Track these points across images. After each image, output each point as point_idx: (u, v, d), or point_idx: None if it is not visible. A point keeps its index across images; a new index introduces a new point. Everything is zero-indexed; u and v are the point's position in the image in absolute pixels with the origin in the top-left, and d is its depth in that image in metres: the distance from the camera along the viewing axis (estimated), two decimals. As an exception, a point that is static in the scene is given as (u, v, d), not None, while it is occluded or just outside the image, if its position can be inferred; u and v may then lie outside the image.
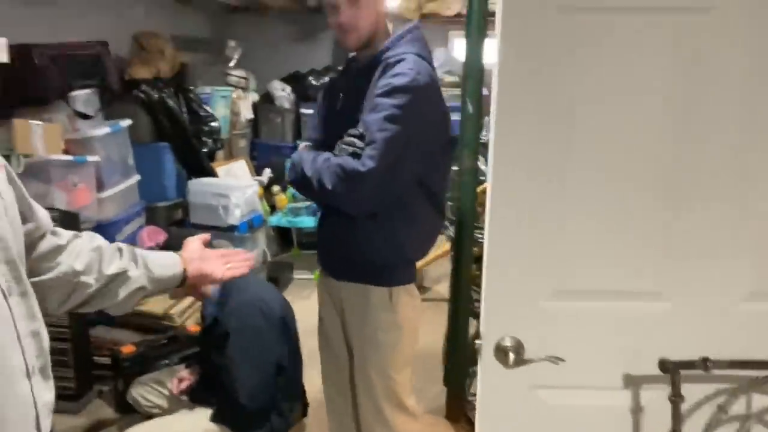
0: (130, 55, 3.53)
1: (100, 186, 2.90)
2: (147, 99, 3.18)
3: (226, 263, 1.19)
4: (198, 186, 3.38)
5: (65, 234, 1.02)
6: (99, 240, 1.06)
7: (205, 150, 3.46)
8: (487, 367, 1.11)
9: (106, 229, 2.90)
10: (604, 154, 1.07)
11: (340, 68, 1.79)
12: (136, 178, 3.17)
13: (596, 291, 1.12)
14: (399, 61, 1.49)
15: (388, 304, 1.61)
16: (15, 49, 2.60)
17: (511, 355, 1.08)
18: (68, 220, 2.38)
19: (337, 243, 1.63)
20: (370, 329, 1.62)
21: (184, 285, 1.14)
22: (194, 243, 1.19)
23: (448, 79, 4.82)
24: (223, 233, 3.24)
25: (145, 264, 1.08)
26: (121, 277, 1.04)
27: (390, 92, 1.45)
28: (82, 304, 1.02)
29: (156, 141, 3.31)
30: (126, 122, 3.05)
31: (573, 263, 1.10)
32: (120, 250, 1.06)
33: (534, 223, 1.08)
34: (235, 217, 3.27)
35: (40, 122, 2.53)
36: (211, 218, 3.27)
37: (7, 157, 2.05)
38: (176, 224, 3.41)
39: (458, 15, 4.56)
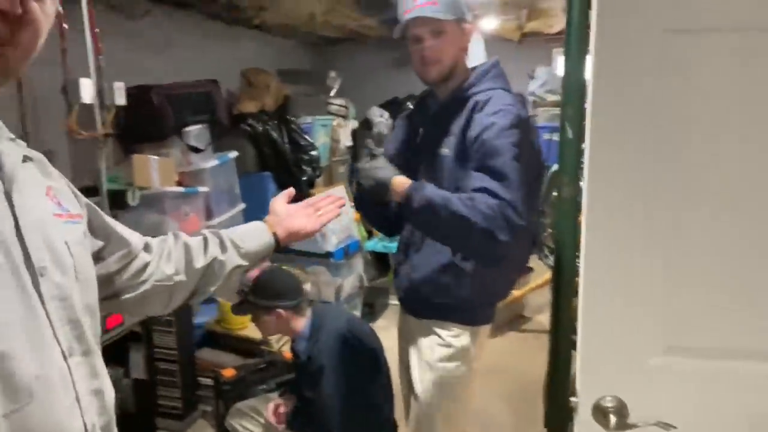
0: (238, 91, 3.76)
1: (209, 214, 3.09)
2: (253, 131, 3.35)
3: (316, 211, 1.19)
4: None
5: (154, 244, 1.05)
6: (184, 237, 1.08)
7: (304, 178, 3.57)
8: (583, 429, 1.00)
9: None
10: (722, 188, 0.94)
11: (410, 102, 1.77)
12: (241, 206, 3.34)
13: (714, 348, 0.98)
14: (489, 99, 1.44)
15: (463, 342, 1.56)
16: (135, 91, 2.85)
17: (613, 418, 0.97)
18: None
19: (422, 280, 1.58)
20: (436, 364, 1.58)
21: (279, 247, 1.15)
22: (278, 203, 1.21)
23: (551, 98, 4.65)
24: (320, 259, 3.31)
25: (233, 243, 1.09)
26: (213, 264, 1.06)
27: (501, 132, 1.40)
28: (187, 299, 1.06)
29: (260, 170, 3.47)
30: (233, 154, 3.23)
31: (687, 315, 0.97)
32: (205, 239, 1.08)
33: (638, 266, 0.97)
34: (332, 243, 3.33)
35: (156, 157, 2.74)
36: (308, 244, 3.35)
37: (124, 192, 2.23)
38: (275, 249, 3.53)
39: (561, 32, 4.39)
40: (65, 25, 2.02)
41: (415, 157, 1.59)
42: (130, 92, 2.88)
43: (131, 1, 3.03)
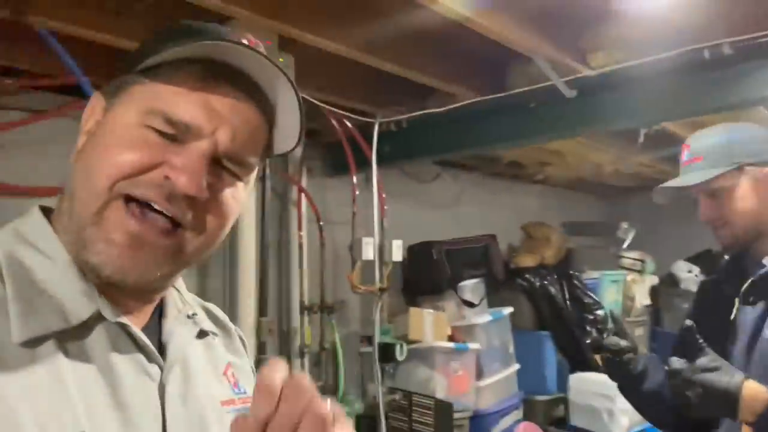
0: (518, 245, 3.71)
1: (479, 374, 2.92)
2: (529, 286, 3.18)
3: None
4: (579, 382, 3.06)
5: None
6: None
7: (588, 340, 3.16)
8: None
9: (482, 420, 2.84)
10: None
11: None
12: (515, 367, 3.09)
13: None
14: None
15: None
16: (418, 247, 3.02)
17: None
18: (441, 409, 2.41)
19: None
20: None
21: None
22: None
23: None
24: (608, 443, 2.77)
25: None
26: None
27: None
28: None
29: (537, 329, 3.22)
30: (508, 310, 3.08)
31: None
32: None
33: None
34: (621, 425, 2.77)
35: (431, 311, 2.78)
36: (593, 422, 2.86)
37: (393, 345, 2.25)
38: (556, 423, 3.11)
39: None
40: (357, 192, 2.28)
41: (724, 337, 1.19)
42: (414, 248, 3.08)
43: (423, 168, 3.35)
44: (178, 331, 0.67)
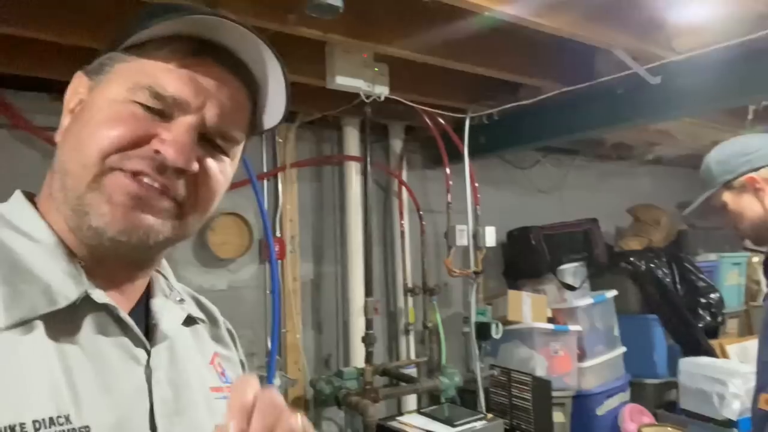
0: (626, 227, 3.65)
1: (582, 355, 2.98)
2: (634, 270, 3.15)
3: None
4: (690, 366, 2.99)
5: None
6: None
7: (701, 324, 3.08)
8: None
9: (586, 400, 2.91)
10: None
11: None
12: (621, 349, 3.10)
13: None
14: None
15: None
16: (517, 232, 3.13)
17: None
18: (540, 386, 2.53)
19: None
20: None
21: None
22: None
23: None
24: (717, 428, 2.71)
25: None
26: None
27: None
28: None
29: (644, 312, 3.19)
30: (611, 293, 3.09)
31: None
32: None
33: None
34: (732, 410, 2.69)
35: (530, 293, 2.89)
36: (704, 406, 2.80)
37: (488, 324, 2.41)
38: (665, 407, 3.08)
39: None
40: (450, 182, 2.46)
41: None
42: (514, 233, 3.19)
43: (523, 154, 3.43)
44: (165, 316, 0.67)
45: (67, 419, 0.52)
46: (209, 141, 0.63)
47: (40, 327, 0.54)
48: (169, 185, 0.59)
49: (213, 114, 0.61)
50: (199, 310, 0.75)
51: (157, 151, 0.58)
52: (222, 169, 0.65)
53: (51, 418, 0.51)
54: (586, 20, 1.67)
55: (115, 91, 0.60)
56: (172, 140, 0.59)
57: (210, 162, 0.63)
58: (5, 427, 0.49)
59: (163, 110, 0.60)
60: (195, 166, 0.60)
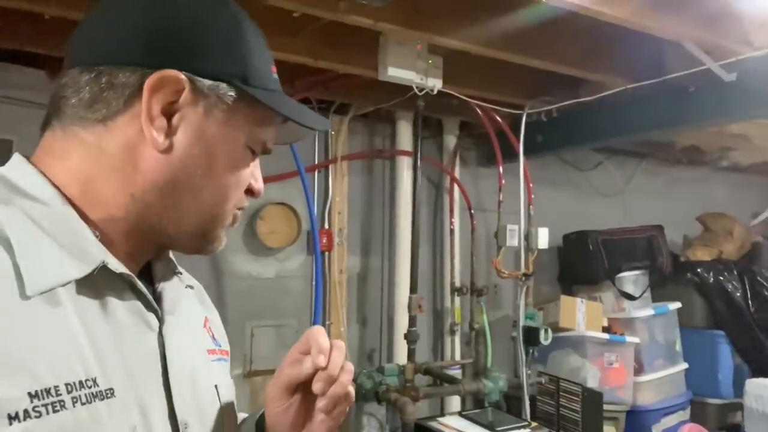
0: (692, 237, 3.43)
1: (639, 368, 2.82)
2: (701, 281, 2.96)
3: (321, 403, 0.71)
4: (759, 388, 2.76)
5: None
6: None
7: (772, 344, 2.85)
8: None
9: (641, 416, 2.76)
10: None
11: None
12: (682, 365, 2.92)
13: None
14: None
15: None
16: (574, 236, 3.00)
17: None
18: (590, 398, 2.41)
19: None
20: None
21: None
22: (272, 404, 0.73)
23: None
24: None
25: None
26: None
27: None
28: None
29: (710, 327, 2.99)
30: (675, 305, 2.91)
31: None
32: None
33: None
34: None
35: (583, 300, 2.76)
36: (773, 433, 2.59)
37: (537, 330, 2.32)
38: (729, 429, 2.87)
39: None
40: (503, 181, 2.38)
41: None
42: (570, 237, 3.06)
43: (583, 155, 3.29)
44: (170, 283, 0.70)
45: (95, 382, 0.55)
46: None
47: (60, 294, 0.55)
48: None
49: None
50: (188, 277, 0.78)
51: (251, 188, 0.69)
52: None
53: (81, 381, 0.53)
54: (653, 10, 1.57)
55: (239, 136, 0.65)
56: (257, 177, 0.70)
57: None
58: (41, 390, 0.50)
59: None
60: (262, 190, 0.72)
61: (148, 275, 0.68)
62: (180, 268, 0.74)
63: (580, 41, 1.98)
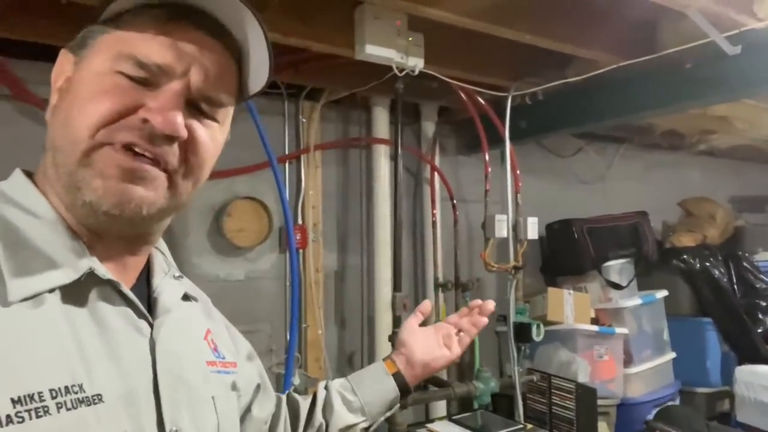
0: (675, 222, 3.37)
1: (628, 360, 2.73)
2: (687, 268, 2.88)
3: (456, 331, 1.03)
4: (748, 375, 2.71)
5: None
6: (293, 397, 0.99)
7: (760, 330, 2.80)
8: None
9: (631, 409, 2.67)
10: None
11: None
12: (671, 355, 2.85)
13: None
14: None
15: None
16: (558, 225, 2.88)
17: None
18: (584, 394, 2.30)
19: None
20: None
21: (408, 391, 0.98)
22: (408, 331, 1.02)
23: None
24: (782, 445, 2.44)
25: (343, 398, 0.96)
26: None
27: None
28: None
29: (697, 315, 2.92)
30: (661, 293, 2.83)
31: None
32: (314, 398, 0.97)
33: None
34: (800, 426, 2.42)
35: (571, 291, 2.65)
36: (764, 419, 2.53)
37: (528, 325, 2.19)
38: (719, 418, 2.81)
39: None
40: (489, 169, 2.23)
41: None
42: (554, 226, 2.94)
43: (563, 141, 3.18)
44: (166, 289, 0.68)
45: (81, 388, 0.54)
46: (197, 107, 0.63)
47: (48, 300, 0.55)
48: (160, 154, 0.59)
49: (198, 79, 0.61)
50: (192, 288, 0.77)
51: (145, 120, 0.58)
52: (212, 135, 0.64)
53: (66, 387, 0.53)
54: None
55: (99, 63, 0.60)
56: (159, 108, 0.58)
57: (199, 128, 0.62)
58: (24, 396, 0.50)
59: (147, 79, 0.59)
60: (184, 132, 0.60)
61: (148, 282, 0.68)
62: (179, 272, 0.73)
63: (571, 14, 1.84)
